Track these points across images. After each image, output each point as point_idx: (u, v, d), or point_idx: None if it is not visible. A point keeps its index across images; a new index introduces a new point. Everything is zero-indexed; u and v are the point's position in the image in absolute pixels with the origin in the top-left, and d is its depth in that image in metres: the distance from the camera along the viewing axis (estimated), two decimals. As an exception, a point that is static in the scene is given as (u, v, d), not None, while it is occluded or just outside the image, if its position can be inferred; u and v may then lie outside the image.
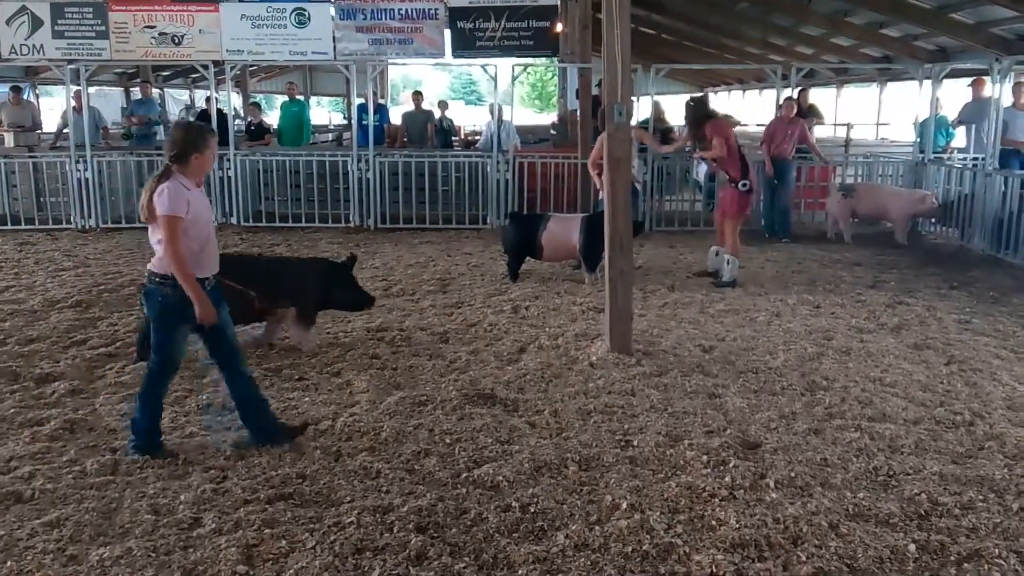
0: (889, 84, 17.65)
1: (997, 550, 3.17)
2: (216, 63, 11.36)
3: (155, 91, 16.38)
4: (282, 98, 15.44)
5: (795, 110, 10.68)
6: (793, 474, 3.81)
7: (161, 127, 13.21)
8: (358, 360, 5.68)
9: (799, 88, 11.95)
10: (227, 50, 11.43)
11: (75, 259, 9.22)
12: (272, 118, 16.54)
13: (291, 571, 3.11)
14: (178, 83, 24.64)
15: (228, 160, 11.19)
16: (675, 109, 18.18)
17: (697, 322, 6.52)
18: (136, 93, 17.66)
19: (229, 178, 11.24)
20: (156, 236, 3.98)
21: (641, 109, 11.76)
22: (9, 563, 3.16)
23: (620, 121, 5.61)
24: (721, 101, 23.96)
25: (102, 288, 7.75)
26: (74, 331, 6.32)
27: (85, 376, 5.33)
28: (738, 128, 15.90)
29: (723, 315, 6.76)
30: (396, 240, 10.48)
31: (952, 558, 3.16)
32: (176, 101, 24.32)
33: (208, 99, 12.93)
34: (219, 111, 11.92)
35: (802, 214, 11.54)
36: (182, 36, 11.55)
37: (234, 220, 11.28)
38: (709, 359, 5.59)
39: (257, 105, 15.40)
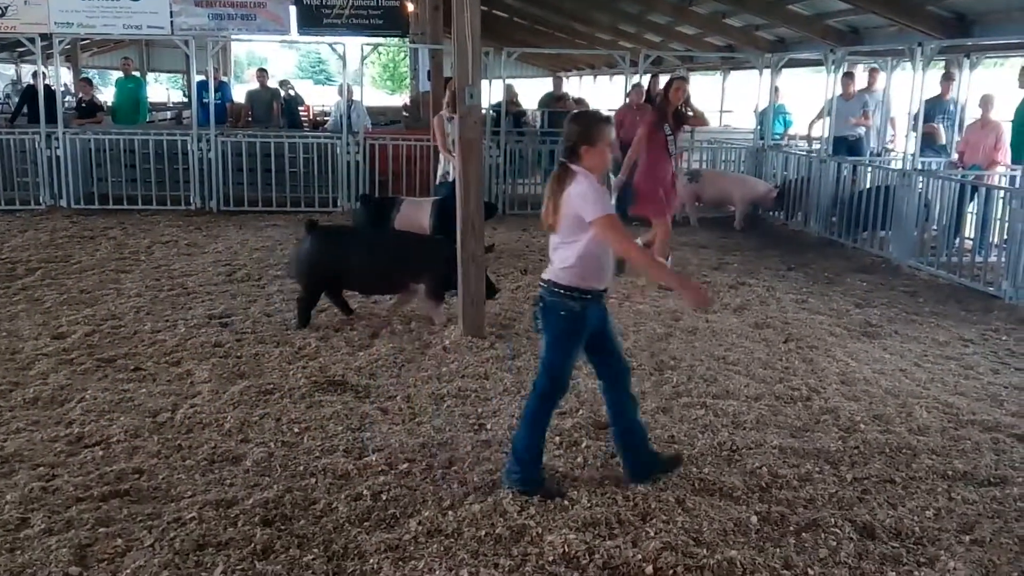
0: (732, 72, 18.51)
1: (833, 519, 3.33)
2: (44, 36, 10.52)
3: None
4: (117, 74, 14.42)
5: (644, 97, 10.97)
6: (642, 451, 3.88)
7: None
8: (199, 348, 5.37)
9: (649, 75, 12.31)
10: (55, 23, 10.59)
11: None
12: (107, 95, 15.47)
13: (128, 570, 2.92)
14: (3, 57, 22.57)
15: (57, 139, 10.39)
16: (528, 93, 18.35)
17: (550, 304, 6.57)
18: None
19: (58, 158, 10.40)
20: (564, 242, 3.39)
21: (494, 92, 11.75)
22: None
23: (471, 104, 5.55)
24: (573, 86, 24.38)
25: None
26: None
27: None
28: (589, 114, 16.29)
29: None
30: (241, 223, 10.00)
31: (791, 528, 3.30)
32: (0, 76, 22.35)
33: (35, 75, 11.96)
34: (47, 87, 11.00)
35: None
36: (5, 7, 10.66)
37: (63, 203, 10.43)
38: (562, 340, 5.64)
39: (89, 81, 14.39)
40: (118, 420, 4.21)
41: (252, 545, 3.08)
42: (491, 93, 11.54)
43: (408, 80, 18.92)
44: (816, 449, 4.01)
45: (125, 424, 4.15)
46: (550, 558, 3.03)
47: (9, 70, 22.94)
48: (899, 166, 9.73)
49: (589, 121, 3.44)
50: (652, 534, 3.19)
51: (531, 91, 20.52)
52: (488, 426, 4.22)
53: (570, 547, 3.07)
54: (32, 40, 10.54)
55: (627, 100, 11.18)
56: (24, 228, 9.34)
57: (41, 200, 10.45)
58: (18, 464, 3.72)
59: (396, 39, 14.82)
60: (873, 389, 4.90)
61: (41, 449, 3.88)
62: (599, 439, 4.06)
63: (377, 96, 37.81)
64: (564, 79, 15.88)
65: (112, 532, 3.15)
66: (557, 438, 4.06)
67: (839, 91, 10.56)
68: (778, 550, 3.12)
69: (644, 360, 5.28)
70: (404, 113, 15.38)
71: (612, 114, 12.21)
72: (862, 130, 10.85)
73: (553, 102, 13.76)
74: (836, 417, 4.45)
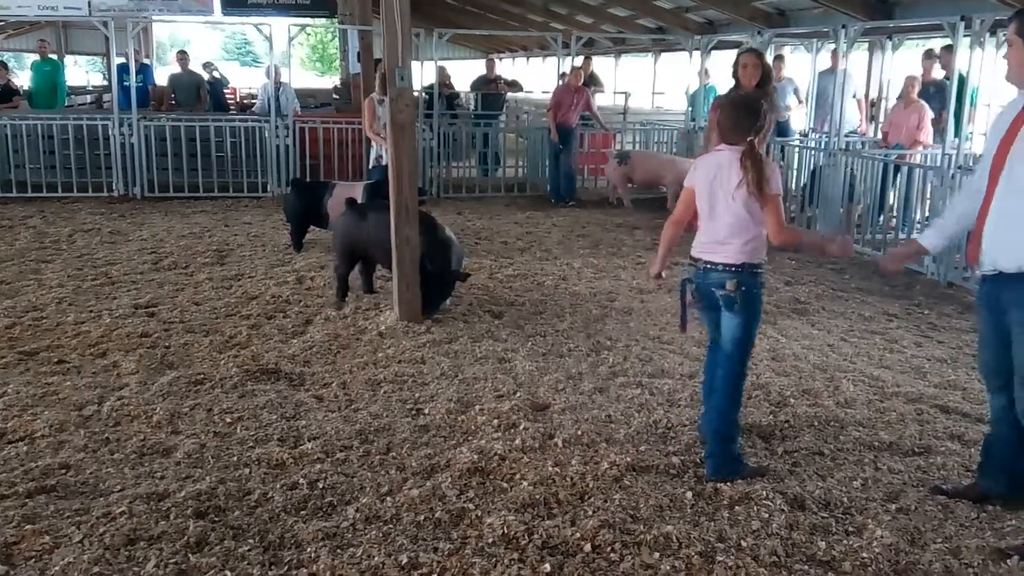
0: (663, 55, 18.68)
1: (765, 492, 3.39)
2: (-46, 18, 9.99)
3: None
4: (33, 57, 13.83)
5: (581, 79, 10.99)
6: (580, 432, 3.90)
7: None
8: (125, 339, 5.20)
9: (583, 56, 12.33)
10: (-35, 3, 10.06)
11: None
12: (23, 79, 14.82)
13: (56, 567, 2.82)
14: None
15: (-32, 125, 9.90)
16: (460, 74, 18.21)
17: (487, 288, 6.57)
18: None
19: (-29, 145, 9.93)
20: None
21: (426, 74, 11.63)
22: None
23: (402, 85, 5.48)
24: (506, 68, 24.32)
25: None
26: None
27: None
28: (522, 95, 16.25)
29: (512, 280, 6.86)
30: (166, 210, 9.70)
31: (725, 502, 3.35)
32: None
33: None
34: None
35: (585, 179, 11.98)
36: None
37: (-22, 191, 9.98)
38: (499, 324, 5.64)
39: (4, 65, 13.77)
40: (42, 415, 4.05)
41: (185, 538, 3.01)
42: (423, 75, 11.45)
43: (338, 62, 18.59)
44: (748, 424, 4.08)
45: (49, 418, 4.00)
46: (489, 540, 3.03)
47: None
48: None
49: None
50: (590, 513, 3.22)
51: (464, 73, 20.37)
52: (426, 411, 4.20)
53: (509, 528, 3.08)
54: (-61, 20, 10.05)
55: (564, 81, 11.21)
56: (-66, 218, 8.90)
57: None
58: (-63, 462, 3.57)
59: (324, 20, 14.48)
60: (802, 364, 5.02)
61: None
62: (536, 420, 4.08)
63: (306, 78, 37.04)
64: (497, 61, 15.76)
65: (39, 529, 3.05)
66: (495, 421, 4.06)
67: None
68: (712, 523, 3.17)
69: (581, 341, 5.31)
70: (334, 96, 15.11)
71: (549, 95, 12.26)
72: (789, 112, 11.08)
73: (486, 84, 13.70)
74: (767, 392, 4.54)
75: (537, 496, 3.33)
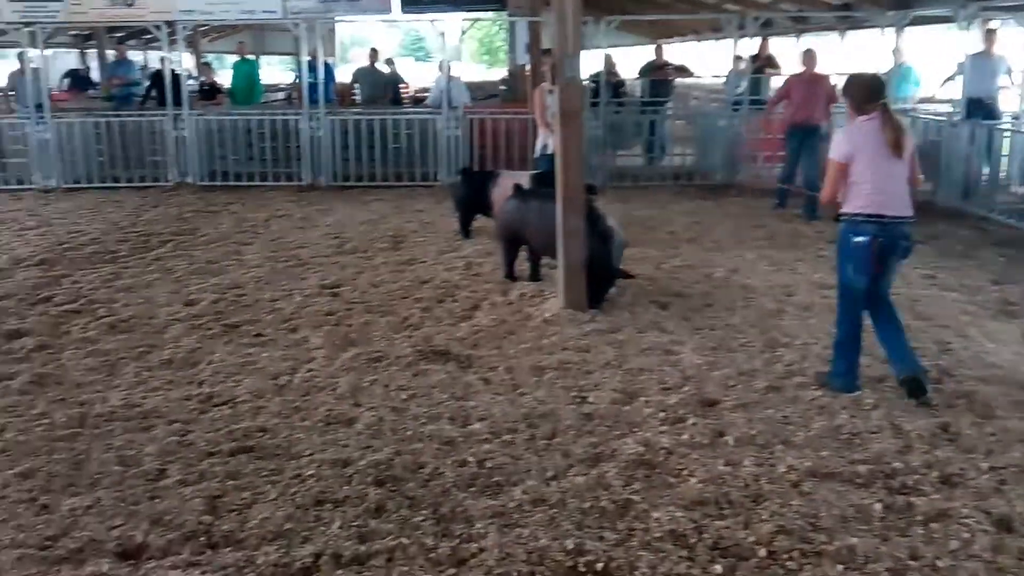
0: (849, 33, 17.60)
1: (966, 510, 3.15)
2: (168, 23, 11.06)
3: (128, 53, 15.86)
4: (233, 58, 15.01)
5: (815, 64, 9.11)
6: (753, 432, 3.79)
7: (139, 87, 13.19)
8: (313, 316, 5.61)
9: (760, 38, 11.85)
10: (179, 10, 11.06)
11: (38, 218, 9.15)
12: (224, 78, 16.12)
13: (254, 521, 3.11)
14: (131, 44, 23.76)
15: (183, 120, 10.97)
16: (627, 61, 18.02)
17: (652, 278, 6.49)
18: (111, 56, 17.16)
19: (184, 138, 10.97)
20: (906, 177, 4.15)
21: (593, 62, 11.60)
22: None
23: (571, 75, 5.50)
24: (675, 52, 23.82)
25: (65, 246, 7.75)
26: (40, 288, 6.33)
27: (52, 332, 5.35)
28: (691, 80, 15.83)
29: (679, 271, 6.74)
30: (348, 198, 10.28)
31: (919, 518, 3.12)
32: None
33: (162, 60, 12.61)
34: (172, 72, 11.55)
35: (760, 167, 11.51)
36: (133, -3, 11.16)
37: (189, 179, 11.01)
38: (665, 315, 5.57)
39: (209, 65, 15.07)
40: (243, 382, 4.47)
41: (366, 504, 3.22)
42: (590, 63, 11.42)
43: (505, 54, 18.89)
44: (949, 435, 3.77)
45: (249, 386, 4.41)
46: (657, 534, 3.00)
47: (138, 57, 24.09)
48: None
49: None
50: (766, 517, 3.11)
51: (631, 60, 20.12)
52: (590, 399, 4.21)
53: (678, 525, 3.04)
54: (158, 27, 11.12)
55: (803, 68, 9.20)
56: (155, 203, 9.93)
57: (169, 177, 11.05)
58: (156, 420, 4.03)
59: (494, 13, 14.77)
60: (1012, 374, 4.55)
61: (176, 407, 4.17)
62: (705, 416, 4.00)
63: (474, 71, 37.89)
64: (665, 46, 15.44)
65: (240, 485, 3.37)
66: (661, 414, 4.01)
67: (974, 49, 9.71)
68: (904, 539, 2.97)
69: (754, 337, 5.13)
70: (501, 87, 15.35)
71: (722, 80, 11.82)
72: (1001, 92, 9.88)
73: (654, 70, 13.47)
74: (971, 402, 4.16)
75: (707, 494, 3.26)
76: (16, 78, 12.10)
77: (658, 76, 13.19)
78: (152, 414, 4.09)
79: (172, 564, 2.85)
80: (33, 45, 11.13)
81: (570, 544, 2.92)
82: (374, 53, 14.12)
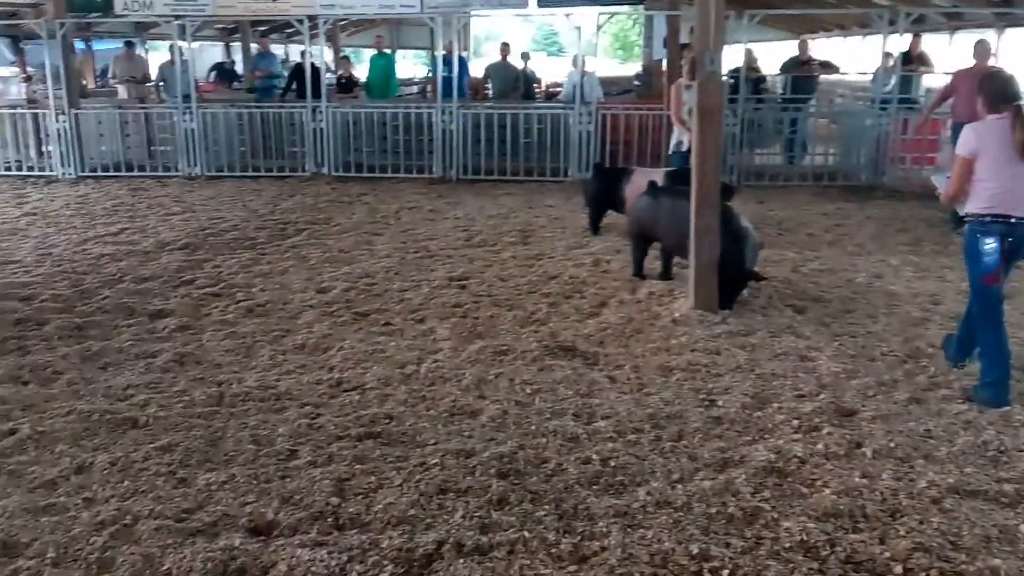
0: (1007, 30, 16.38)
1: None
2: (310, 18, 11.52)
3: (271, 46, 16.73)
4: (370, 52, 15.50)
5: (988, 58, 8.68)
6: (892, 444, 3.59)
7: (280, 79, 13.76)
8: (441, 308, 5.70)
9: (911, 34, 11.19)
10: (321, 4, 11.50)
11: (182, 204, 9.70)
12: (360, 71, 16.68)
13: (379, 506, 3.17)
14: (274, 38, 25.00)
15: (321, 112, 11.38)
16: (769, 57, 17.43)
17: (789, 281, 6.25)
18: (255, 48, 18.17)
19: (321, 130, 11.41)
20: None
21: (732, 57, 11.26)
22: (126, 482, 3.38)
23: (711, 70, 5.36)
24: (820, 48, 22.86)
25: (207, 232, 8.17)
26: (183, 271, 6.70)
27: (193, 313, 5.64)
28: (836, 77, 15.14)
29: (817, 275, 6.46)
30: (478, 191, 10.42)
31: (1072, 541, 2.89)
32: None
33: (303, 53, 13.17)
34: (312, 65, 12.06)
35: (908, 169, 10.90)
36: (278, -8, 11.71)
37: (325, 170, 11.44)
38: (801, 320, 5.35)
39: (347, 59, 15.60)
40: (371, 369, 4.59)
41: (488, 495, 3.23)
42: (730, 58, 11.10)
43: (640, 48, 18.64)
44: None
45: (377, 373, 4.52)
46: (786, 544, 2.89)
47: (279, 50, 25.29)
48: None
49: None
50: (903, 533, 2.94)
51: (773, 55, 19.45)
52: (719, 402, 4.09)
53: (809, 536, 2.91)
54: (301, 21, 11.62)
55: (974, 61, 8.64)
56: (292, 193, 10.37)
57: (306, 168, 11.53)
58: (288, 402, 4.18)
59: (630, 7, 14.57)
60: None
61: (307, 390, 4.32)
62: (841, 426, 3.81)
63: (608, 66, 37.64)
64: (810, 41, 14.82)
65: (366, 469, 3.45)
66: (795, 421, 3.85)
67: None
68: (1056, 565, 2.75)
69: (896, 346, 4.87)
70: (636, 82, 15.16)
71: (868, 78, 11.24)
72: None
73: (797, 66, 12.95)
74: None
75: (841, 506, 3.11)
76: (166, 69, 12.88)
77: (801, 72, 12.69)
78: (285, 396, 4.25)
79: (300, 543, 2.93)
80: (182, 38, 11.77)
81: (695, 549, 2.84)
82: (505, 47, 14.25)
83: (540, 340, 4.99)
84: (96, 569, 2.82)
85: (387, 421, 3.94)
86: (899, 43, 10.80)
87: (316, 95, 11.43)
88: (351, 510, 3.15)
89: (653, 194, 6.27)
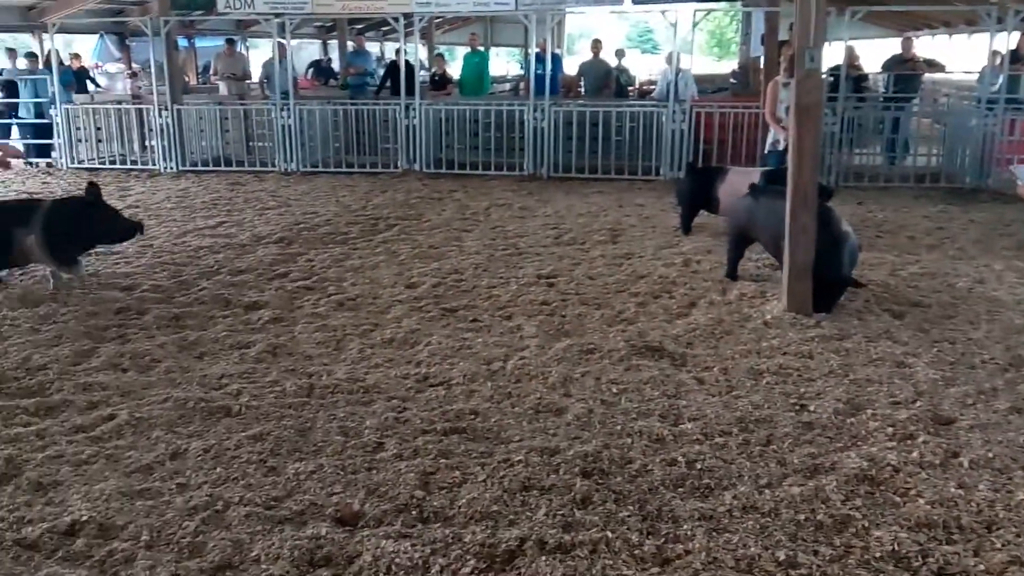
0: None
1: None
2: (406, 16, 11.75)
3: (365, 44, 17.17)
4: (464, 49, 15.70)
5: None
6: (991, 455, 3.46)
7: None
8: (528, 305, 5.75)
9: (1020, 32, 10.67)
10: (416, 2, 11.72)
11: (278, 199, 10.01)
12: (454, 69, 16.92)
13: (463, 500, 3.22)
14: (370, 36, 25.59)
15: (414, 109, 11.57)
16: (870, 54, 16.84)
17: (887, 285, 6.06)
18: (350, 46, 18.69)
19: (414, 126, 11.61)
20: None
21: (833, 55, 10.96)
22: (219, 469, 3.50)
23: (811, 67, 5.25)
24: (924, 46, 21.97)
25: (301, 226, 8.41)
26: (277, 264, 6.91)
27: (286, 306, 5.80)
28: (941, 76, 14.54)
29: (917, 279, 6.25)
30: (568, 189, 10.45)
31: None
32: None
33: (398, 51, 13.44)
34: (407, 62, 12.31)
35: (1016, 170, 10.38)
36: (375, -10, 12.00)
37: (417, 167, 11.66)
38: (899, 325, 5.19)
39: (442, 56, 15.85)
40: (458, 365, 4.67)
41: (572, 494, 3.25)
42: (831, 56, 10.81)
43: (736, 45, 18.28)
44: None
45: (464, 369, 4.59)
46: (876, 554, 2.83)
47: (374, 48, 25.85)
48: None
49: None
50: (999, 545, 2.85)
51: (875, 53, 18.79)
52: (811, 407, 4.02)
53: (900, 546, 2.85)
54: (397, 19, 11.86)
55: None
56: (384, 188, 10.62)
57: (398, 164, 11.78)
58: (376, 395, 4.29)
59: (727, 3, 14.33)
60: None
61: (394, 384, 4.43)
62: (938, 435, 3.69)
63: (703, 63, 37.01)
64: (913, 39, 14.27)
65: (451, 464, 3.51)
66: (889, 429, 3.76)
67: None
68: None
69: (998, 353, 4.68)
70: (731, 80, 14.90)
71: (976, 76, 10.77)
72: None
73: (900, 64, 12.49)
74: None
75: (935, 517, 3.03)
76: (270, 67, 13.33)
77: (904, 70, 12.23)
78: (373, 389, 4.33)
79: (385, 534, 2.98)
80: (281, 35, 12.14)
81: (782, 555, 2.82)
82: (597, 44, 14.19)
83: (627, 339, 4.98)
84: (188, 553, 2.91)
85: (472, 417, 3.99)
86: (1007, 41, 10.30)
87: (410, 92, 11.67)
88: (435, 504, 3.20)
89: (755, 195, 6.19)
